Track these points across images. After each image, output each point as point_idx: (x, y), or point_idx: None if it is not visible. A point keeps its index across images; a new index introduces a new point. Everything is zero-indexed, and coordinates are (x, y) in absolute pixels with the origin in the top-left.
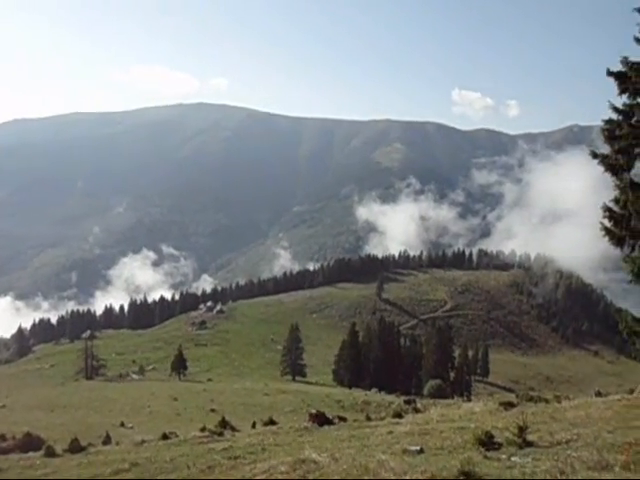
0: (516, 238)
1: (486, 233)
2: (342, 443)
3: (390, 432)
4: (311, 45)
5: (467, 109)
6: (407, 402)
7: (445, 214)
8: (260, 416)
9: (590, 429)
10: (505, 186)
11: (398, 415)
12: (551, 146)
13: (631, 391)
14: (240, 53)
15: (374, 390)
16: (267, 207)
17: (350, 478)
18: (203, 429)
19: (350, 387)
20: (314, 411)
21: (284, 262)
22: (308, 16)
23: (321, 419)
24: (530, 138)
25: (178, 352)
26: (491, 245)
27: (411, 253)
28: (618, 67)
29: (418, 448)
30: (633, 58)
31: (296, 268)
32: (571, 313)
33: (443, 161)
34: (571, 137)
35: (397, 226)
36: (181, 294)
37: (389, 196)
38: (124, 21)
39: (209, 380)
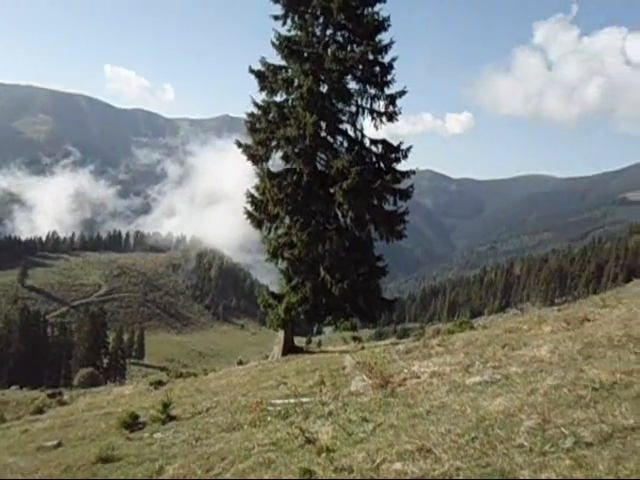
0: (177, 217)
1: (147, 211)
2: None
3: (26, 431)
4: None
5: (122, 86)
6: (51, 395)
7: (103, 192)
8: None
9: (228, 395)
10: (168, 167)
11: (39, 411)
12: (210, 132)
13: (266, 357)
14: None
15: (14, 387)
16: None
17: None
18: None
19: None
20: None
21: None
22: None
23: None
24: (190, 122)
25: None
26: (152, 224)
27: (62, 235)
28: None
29: (55, 442)
30: (270, 60)
31: None
32: (222, 291)
33: (99, 137)
34: (229, 125)
35: (48, 202)
36: None
37: (38, 169)
38: None
39: None
